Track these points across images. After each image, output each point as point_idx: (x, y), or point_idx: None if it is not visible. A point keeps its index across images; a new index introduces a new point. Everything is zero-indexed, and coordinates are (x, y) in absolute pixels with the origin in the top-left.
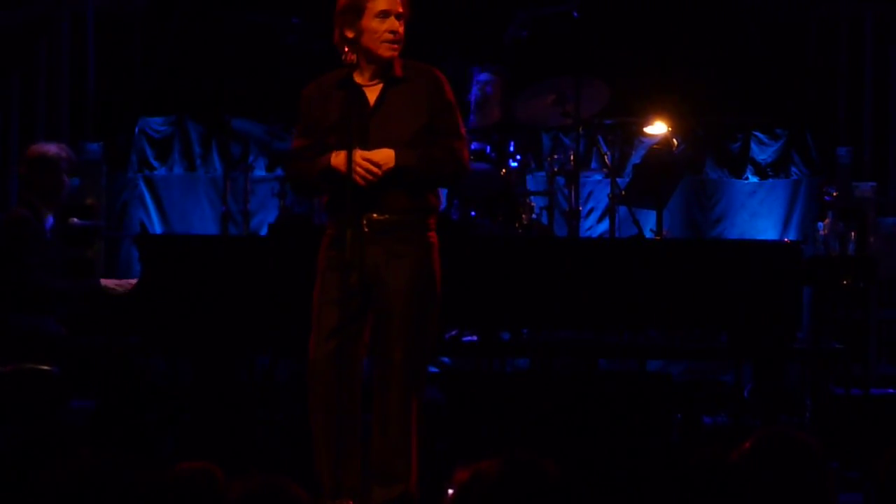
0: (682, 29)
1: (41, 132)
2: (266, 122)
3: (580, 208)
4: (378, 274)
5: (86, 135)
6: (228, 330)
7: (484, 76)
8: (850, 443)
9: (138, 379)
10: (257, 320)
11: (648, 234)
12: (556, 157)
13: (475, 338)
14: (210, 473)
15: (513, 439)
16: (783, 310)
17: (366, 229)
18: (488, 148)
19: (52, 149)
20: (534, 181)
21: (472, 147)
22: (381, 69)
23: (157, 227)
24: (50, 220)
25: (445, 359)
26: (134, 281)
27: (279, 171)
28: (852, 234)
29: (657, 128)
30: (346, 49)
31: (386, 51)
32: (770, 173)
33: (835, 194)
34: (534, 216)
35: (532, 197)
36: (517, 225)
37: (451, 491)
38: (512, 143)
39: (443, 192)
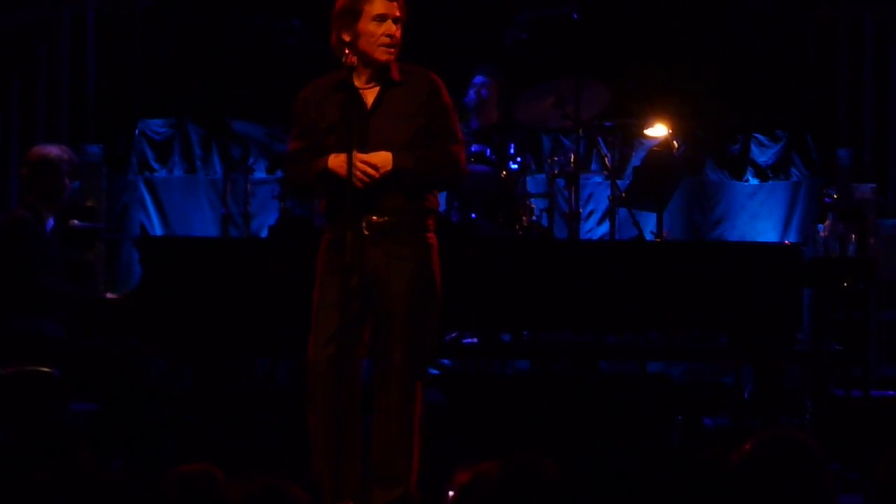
0: (682, 31)
1: (41, 134)
2: (266, 124)
3: (580, 210)
4: (378, 276)
5: (86, 137)
6: (229, 332)
7: (479, 79)
8: (850, 444)
9: (139, 381)
10: (258, 322)
11: (649, 236)
12: (556, 158)
13: (475, 340)
14: (210, 475)
15: (513, 441)
16: (783, 311)
17: (365, 231)
18: (488, 150)
19: (53, 151)
20: (534, 183)
21: (473, 149)
22: (378, 72)
23: (158, 230)
24: (50, 222)
25: (446, 361)
26: None
27: (279, 174)
28: (852, 235)
29: (657, 130)
30: (347, 51)
31: (382, 54)
32: (770, 175)
33: (835, 196)
34: (534, 218)
35: (532, 199)
36: (517, 227)
37: (451, 493)
38: (512, 146)
39: (441, 195)
